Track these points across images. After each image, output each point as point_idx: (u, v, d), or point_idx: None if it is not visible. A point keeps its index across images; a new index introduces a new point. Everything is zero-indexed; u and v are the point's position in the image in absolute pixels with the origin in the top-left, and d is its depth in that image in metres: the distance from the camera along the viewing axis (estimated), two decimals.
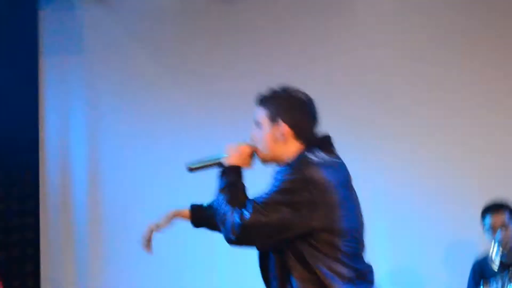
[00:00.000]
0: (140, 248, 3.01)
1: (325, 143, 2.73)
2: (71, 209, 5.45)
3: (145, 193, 5.25)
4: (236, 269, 4.86)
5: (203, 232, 3.05)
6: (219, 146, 2.83)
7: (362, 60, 5.12)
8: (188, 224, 3.04)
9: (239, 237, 2.54)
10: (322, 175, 2.56)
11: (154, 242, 3.01)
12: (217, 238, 2.73)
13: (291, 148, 2.70)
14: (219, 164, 2.74)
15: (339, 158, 2.73)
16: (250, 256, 2.77)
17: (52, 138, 5.55)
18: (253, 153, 2.76)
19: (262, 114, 2.74)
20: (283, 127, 2.70)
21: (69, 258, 5.43)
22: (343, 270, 2.55)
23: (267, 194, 2.56)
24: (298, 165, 2.59)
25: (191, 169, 2.87)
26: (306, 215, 2.52)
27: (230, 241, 2.57)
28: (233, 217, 2.55)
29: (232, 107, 5.13)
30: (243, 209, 2.54)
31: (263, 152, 2.74)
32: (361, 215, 2.70)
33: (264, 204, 2.53)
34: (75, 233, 5.45)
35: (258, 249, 2.69)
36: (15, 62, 5.58)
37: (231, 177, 2.68)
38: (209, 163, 2.83)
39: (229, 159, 2.73)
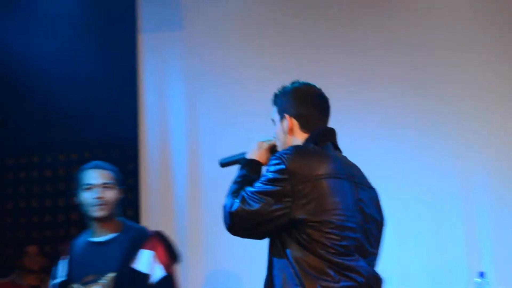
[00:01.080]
0: None
1: (328, 135, 2.81)
2: (171, 175, 5.52)
3: None
4: None
5: None
6: None
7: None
8: None
9: (230, 225, 2.65)
10: (307, 166, 2.60)
11: None
12: None
13: (299, 139, 2.79)
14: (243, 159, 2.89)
15: (340, 151, 2.81)
16: None
17: (151, 113, 5.64)
18: (271, 149, 2.88)
19: (274, 111, 2.88)
20: (289, 120, 2.81)
21: (168, 221, 5.55)
22: (321, 265, 2.55)
23: (256, 184, 2.65)
24: (283, 155, 2.63)
25: (222, 165, 3.09)
26: (287, 206, 2.57)
27: (227, 230, 2.68)
28: (227, 206, 2.66)
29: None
30: (235, 199, 2.64)
31: (279, 147, 2.84)
32: (362, 212, 2.68)
33: (251, 194, 2.61)
34: (175, 197, 5.51)
35: (252, 238, 2.75)
36: (114, 39, 5.69)
37: (244, 171, 2.81)
38: (235, 158, 3.01)
39: (249, 154, 2.89)
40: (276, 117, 2.88)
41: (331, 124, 2.88)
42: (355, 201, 2.67)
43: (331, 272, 2.55)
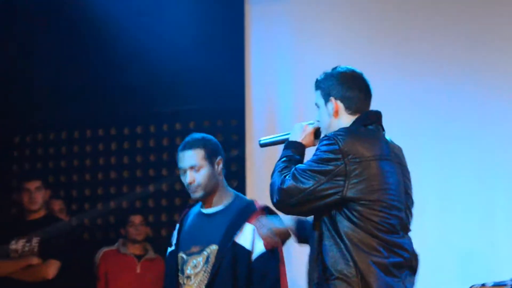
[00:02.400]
0: None
1: (374, 118, 2.92)
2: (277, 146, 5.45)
3: None
4: None
5: None
6: None
7: None
8: None
9: (279, 200, 2.78)
10: (359, 147, 2.74)
11: None
12: None
13: (344, 121, 2.91)
14: (286, 141, 3.01)
15: (384, 133, 2.92)
16: None
17: (258, 83, 5.60)
18: (315, 132, 3.00)
19: (318, 96, 2.98)
20: (334, 103, 2.92)
21: None
22: (371, 241, 2.71)
23: (307, 162, 2.78)
24: (336, 136, 2.76)
25: (262, 145, 3.21)
26: (339, 185, 2.71)
27: (274, 205, 2.83)
28: (277, 182, 2.78)
29: None
30: (286, 177, 2.76)
31: (323, 131, 2.95)
32: (406, 192, 2.85)
33: (302, 172, 2.75)
34: None
35: (300, 215, 2.95)
36: (222, 9, 5.67)
37: (289, 151, 2.92)
38: (277, 139, 3.13)
39: (293, 136, 3.00)
40: (320, 100, 2.97)
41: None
42: (400, 182, 2.83)
43: (381, 249, 2.72)
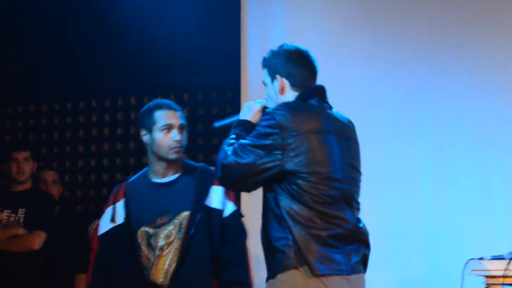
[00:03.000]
0: None
1: (315, 92, 2.98)
2: None
3: None
4: None
5: None
6: None
7: None
8: None
9: (221, 176, 2.88)
10: (297, 121, 2.82)
11: None
12: None
13: (290, 98, 2.97)
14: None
15: (330, 107, 3.00)
16: None
17: (253, 56, 5.45)
18: (263, 110, 3.03)
19: (265, 74, 3.05)
20: (279, 80, 2.99)
21: None
22: (308, 214, 2.77)
23: (248, 138, 2.86)
24: (274, 111, 2.85)
25: (216, 128, 3.28)
26: (278, 159, 2.79)
27: (218, 180, 2.96)
28: (220, 158, 2.87)
29: None
30: (227, 152, 2.85)
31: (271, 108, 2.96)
32: (350, 165, 2.91)
33: (242, 147, 2.83)
34: None
35: (244, 190, 3.08)
36: None
37: (238, 130, 2.98)
38: (231, 120, 3.18)
39: (242, 115, 3.07)
40: (267, 78, 3.04)
41: None
42: (342, 154, 2.88)
43: (318, 221, 2.77)
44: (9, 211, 4.69)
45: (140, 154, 5.86)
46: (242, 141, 2.85)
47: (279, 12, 5.37)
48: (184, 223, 3.33)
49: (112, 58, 5.99)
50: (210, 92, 5.85)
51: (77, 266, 5.02)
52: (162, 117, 3.39)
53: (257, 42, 5.43)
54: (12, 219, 4.67)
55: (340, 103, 3.17)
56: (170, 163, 3.41)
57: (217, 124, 3.28)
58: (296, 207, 2.78)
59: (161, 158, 3.40)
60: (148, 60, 5.86)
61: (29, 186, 4.84)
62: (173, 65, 5.81)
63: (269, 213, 2.86)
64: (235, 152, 2.82)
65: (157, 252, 3.34)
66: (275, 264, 2.79)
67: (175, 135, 3.37)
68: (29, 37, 6.12)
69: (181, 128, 3.40)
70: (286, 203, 2.79)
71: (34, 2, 5.90)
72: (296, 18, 5.31)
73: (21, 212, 4.66)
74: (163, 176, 3.43)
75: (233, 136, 2.95)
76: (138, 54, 5.88)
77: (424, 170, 4.77)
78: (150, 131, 3.41)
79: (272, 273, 2.81)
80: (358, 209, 2.95)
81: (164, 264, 3.32)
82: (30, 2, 5.92)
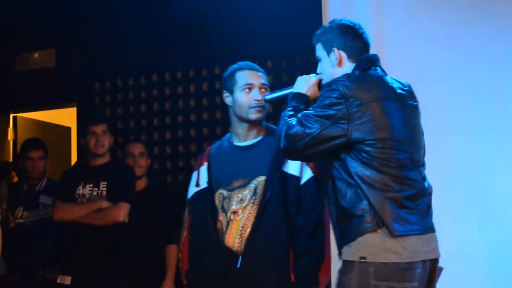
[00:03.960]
0: None
1: (374, 61, 3.07)
2: None
3: None
4: None
5: None
6: None
7: None
8: None
9: (286, 146, 2.91)
10: (359, 90, 2.88)
11: None
12: None
13: (347, 70, 3.04)
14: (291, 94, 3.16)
15: (385, 74, 3.06)
16: None
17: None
18: (318, 83, 3.13)
19: (319, 48, 3.13)
20: (337, 53, 3.07)
21: None
22: (382, 178, 2.85)
23: (312, 108, 2.92)
24: (336, 82, 2.90)
25: (266, 101, 3.34)
26: (344, 128, 2.86)
27: (282, 151, 2.96)
28: (284, 129, 2.91)
29: None
30: (292, 122, 2.90)
31: (328, 81, 3.02)
32: (412, 127, 2.98)
33: (307, 117, 2.88)
34: None
35: (306, 160, 3.16)
36: None
37: (294, 102, 3.07)
38: (283, 93, 3.25)
39: (297, 88, 3.15)
40: (322, 53, 3.12)
41: None
42: (403, 118, 2.95)
43: (392, 184, 2.86)
44: (91, 185, 4.75)
45: (226, 123, 5.86)
46: (306, 111, 2.93)
47: None
48: (260, 188, 3.31)
49: (196, 29, 5.99)
50: (293, 59, 5.76)
51: (168, 237, 5.09)
52: (243, 77, 3.41)
53: (338, 7, 5.31)
54: (95, 193, 4.73)
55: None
56: (252, 124, 3.41)
57: (267, 96, 3.34)
58: (368, 172, 2.86)
59: (242, 119, 3.41)
60: (229, 28, 5.84)
61: (108, 159, 4.89)
62: (256, 33, 5.78)
63: (338, 182, 2.93)
64: (300, 122, 2.89)
65: (230, 216, 3.33)
66: (353, 229, 2.88)
67: (255, 94, 3.38)
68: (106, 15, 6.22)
69: (262, 88, 3.40)
70: (358, 169, 2.88)
71: None
72: None
73: (103, 185, 4.72)
74: (244, 139, 3.44)
75: (290, 108, 3.04)
76: (220, 23, 5.86)
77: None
78: (231, 92, 3.43)
79: (350, 237, 2.89)
80: (424, 169, 3.04)
81: (237, 229, 3.31)
82: None
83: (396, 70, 4.78)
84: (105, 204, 4.67)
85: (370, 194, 2.84)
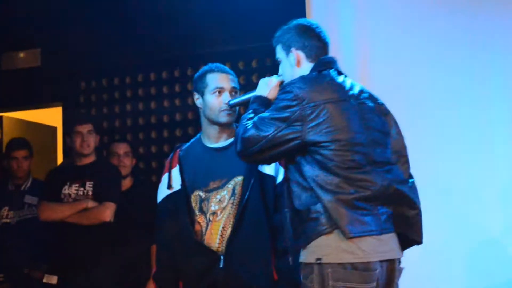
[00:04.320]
0: None
1: (331, 63, 3.07)
2: None
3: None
4: None
5: None
6: None
7: None
8: None
9: (241, 149, 2.92)
10: (313, 92, 2.88)
11: None
12: None
13: (306, 70, 3.05)
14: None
15: (345, 76, 3.06)
16: None
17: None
18: (280, 85, 3.10)
19: (279, 50, 3.15)
20: (295, 53, 3.09)
21: None
22: (335, 180, 2.83)
23: (267, 111, 2.93)
24: (291, 84, 2.91)
25: (230, 105, 3.35)
26: (298, 130, 2.85)
27: (238, 154, 2.97)
28: (240, 132, 2.92)
29: None
30: (247, 126, 2.90)
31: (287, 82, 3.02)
32: (367, 127, 2.93)
33: (262, 120, 2.89)
34: None
35: (264, 162, 3.14)
36: None
37: (255, 105, 3.08)
38: (246, 97, 3.25)
39: (258, 91, 3.16)
40: (282, 54, 3.14)
41: None
42: (360, 118, 2.93)
43: (345, 186, 2.83)
44: (77, 185, 4.75)
45: None
46: (261, 115, 2.94)
47: None
48: (238, 188, 3.34)
49: (182, 27, 6.03)
50: (264, 59, 5.79)
51: (153, 236, 5.09)
52: (214, 80, 3.43)
53: (322, 10, 5.33)
54: (81, 192, 4.74)
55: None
56: (223, 127, 3.42)
57: (232, 101, 3.36)
58: (322, 175, 2.85)
59: (213, 122, 3.43)
60: (206, 28, 5.89)
61: (94, 159, 4.90)
62: (242, 32, 5.83)
63: (293, 185, 2.94)
64: (255, 125, 2.90)
65: (209, 217, 3.36)
66: (308, 231, 2.87)
67: (226, 98, 3.39)
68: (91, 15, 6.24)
69: (232, 91, 3.41)
70: (311, 172, 2.87)
71: None
72: None
73: (89, 185, 4.73)
74: (216, 141, 3.45)
75: (251, 111, 3.05)
76: (198, 23, 5.89)
77: None
78: (202, 94, 3.44)
79: (305, 240, 2.88)
80: (389, 170, 2.97)
81: (217, 229, 3.33)
82: None
83: (379, 66, 4.92)
84: (91, 204, 4.69)
85: (324, 196, 2.83)
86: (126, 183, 5.12)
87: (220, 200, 3.36)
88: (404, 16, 5.01)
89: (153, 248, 5.05)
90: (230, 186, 3.36)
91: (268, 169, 3.36)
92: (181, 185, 3.43)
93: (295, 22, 3.15)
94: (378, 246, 2.86)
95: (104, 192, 4.73)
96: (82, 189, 4.74)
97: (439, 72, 4.81)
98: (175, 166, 3.49)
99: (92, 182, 4.74)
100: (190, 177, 3.43)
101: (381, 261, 2.88)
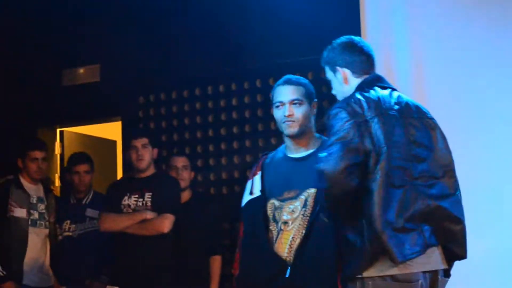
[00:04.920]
0: None
1: (374, 81, 3.10)
2: None
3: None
4: None
5: None
6: None
7: None
8: None
9: (328, 186, 2.90)
10: (363, 106, 2.94)
11: None
12: None
13: (354, 86, 3.12)
14: None
15: (393, 89, 3.10)
16: None
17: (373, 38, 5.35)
18: None
19: (327, 71, 3.22)
20: (341, 71, 3.17)
21: None
22: (379, 202, 2.83)
23: (327, 139, 3.00)
24: (337, 106, 2.99)
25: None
26: (360, 142, 2.87)
27: (325, 191, 2.95)
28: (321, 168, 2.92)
29: None
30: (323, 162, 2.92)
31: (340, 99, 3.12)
32: (412, 141, 2.96)
33: (329, 148, 2.91)
34: None
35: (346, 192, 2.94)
36: None
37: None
38: None
39: None
40: (330, 74, 3.21)
41: None
42: (404, 134, 2.95)
43: (387, 207, 2.83)
44: (136, 196, 4.81)
45: (264, 135, 5.93)
46: (327, 145, 2.95)
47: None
48: (310, 200, 3.36)
49: (236, 42, 6.07)
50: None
51: (211, 248, 5.16)
52: (276, 93, 3.51)
53: (376, 16, 5.31)
54: (140, 203, 4.80)
55: None
56: (296, 138, 3.48)
57: None
58: (368, 200, 2.86)
59: (283, 133, 3.51)
60: (269, 41, 5.92)
61: (153, 171, 4.95)
62: (295, 45, 5.83)
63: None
64: (324, 159, 2.91)
65: (281, 226, 3.39)
66: (356, 260, 2.89)
67: (284, 110, 3.44)
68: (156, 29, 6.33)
69: (292, 103, 3.45)
70: (365, 180, 2.88)
71: None
72: None
73: (147, 196, 4.79)
74: (296, 151, 3.51)
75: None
76: (261, 36, 5.93)
77: None
78: (272, 108, 3.54)
79: (354, 268, 2.90)
80: (431, 186, 2.95)
81: (287, 239, 3.36)
82: None
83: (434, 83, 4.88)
84: (149, 215, 4.74)
85: (368, 228, 2.85)
86: (185, 196, 5.16)
87: (292, 210, 3.39)
88: (459, 34, 4.96)
89: (213, 259, 5.12)
90: (303, 197, 3.39)
91: None
92: (260, 191, 3.49)
93: (338, 40, 3.22)
94: (420, 258, 2.86)
95: (163, 203, 4.78)
96: (141, 200, 4.80)
97: (496, 91, 4.75)
98: (258, 173, 3.56)
99: (151, 193, 4.80)
100: (269, 184, 3.50)
101: (424, 272, 2.88)
